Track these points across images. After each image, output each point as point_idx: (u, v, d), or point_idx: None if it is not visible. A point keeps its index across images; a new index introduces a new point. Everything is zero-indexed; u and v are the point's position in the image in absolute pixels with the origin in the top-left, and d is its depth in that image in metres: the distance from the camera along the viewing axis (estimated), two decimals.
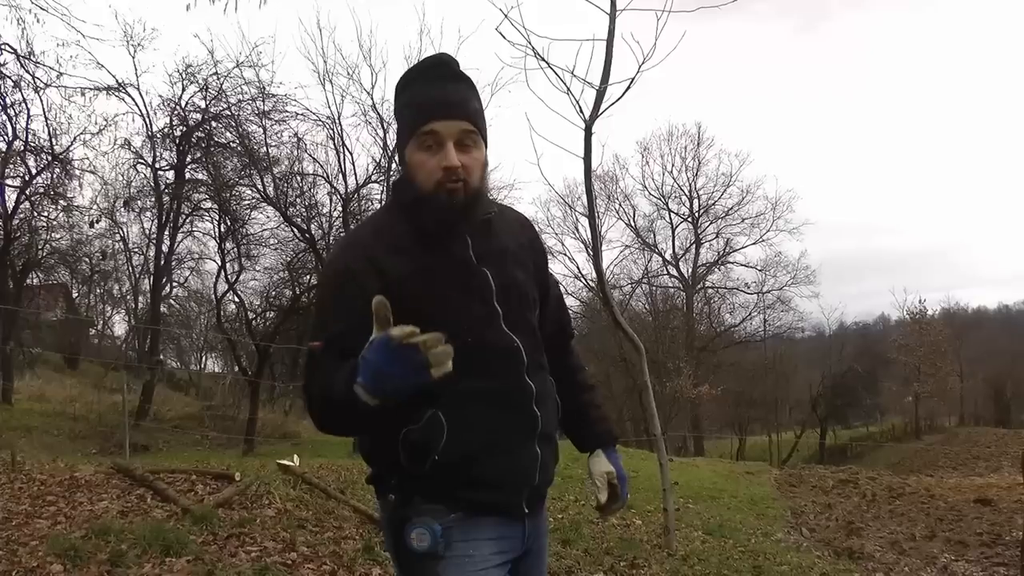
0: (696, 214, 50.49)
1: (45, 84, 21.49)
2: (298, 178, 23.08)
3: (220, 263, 25.65)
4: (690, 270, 50.47)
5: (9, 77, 20.99)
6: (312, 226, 22.54)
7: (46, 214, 25.76)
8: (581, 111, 9.30)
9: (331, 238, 22.76)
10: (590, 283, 43.78)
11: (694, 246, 50.53)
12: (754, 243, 50.13)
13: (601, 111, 9.26)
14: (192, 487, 9.27)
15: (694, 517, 11.35)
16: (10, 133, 23.21)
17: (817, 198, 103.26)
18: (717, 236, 50.91)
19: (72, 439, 19.36)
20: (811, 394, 50.00)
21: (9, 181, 24.30)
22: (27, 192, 24.45)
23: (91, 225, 27.63)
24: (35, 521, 7.57)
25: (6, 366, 24.59)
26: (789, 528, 13.07)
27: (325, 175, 23.15)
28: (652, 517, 10.76)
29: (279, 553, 7.28)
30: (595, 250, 11.14)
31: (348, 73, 23.11)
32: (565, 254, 47.30)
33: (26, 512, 7.88)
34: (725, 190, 49.98)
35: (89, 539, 6.99)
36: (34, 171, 24.17)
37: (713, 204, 50.38)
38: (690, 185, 50.36)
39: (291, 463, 10.31)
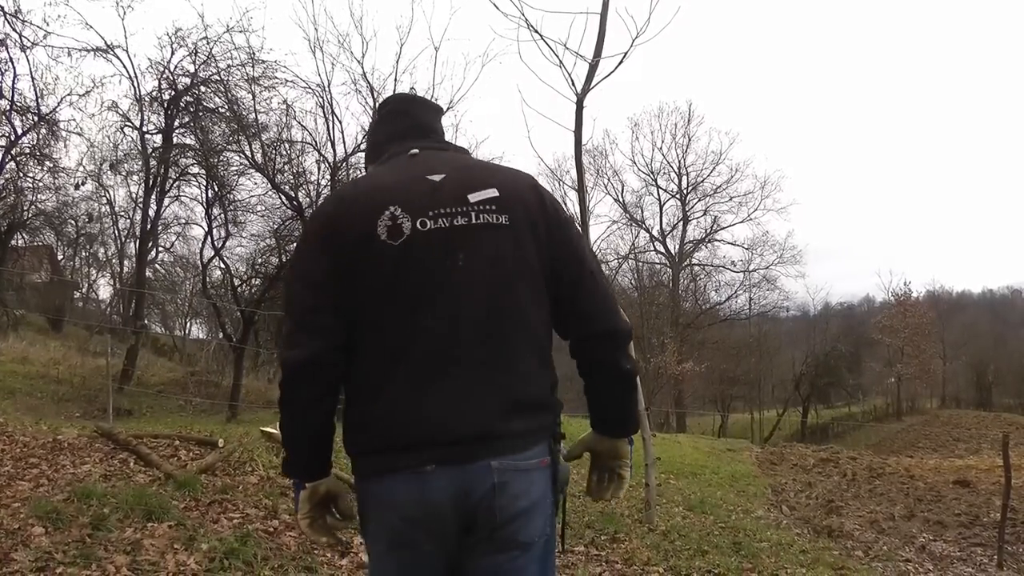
0: (684, 191, 50.53)
1: (32, 43, 21.27)
2: (286, 145, 22.91)
3: (207, 229, 25.53)
4: (677, 247, 50.57)
5: None
6: (300, 194, 22.42)
7: (32, 175, 25.59)
8: (573, 84, 9.28)
9: (317, 206, 22.53)
10: None
11: (681, 223, 50.61)
12: (741, 222, 50.28)
13: (593, 85, 9.25)
14: (175, 452, 9.25)
15: (675, 493, 11.41)
16: None
17: (805, 178, 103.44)
18: (705, 214, 51.00)
19: (55, 402, 19.28)
20: (794, 373, 50.29)
21: None
22: (12, 152, 24.24)
23: (77, 187, 27.51)
24: (17, 483, 7.55)
25: None
26: (769, 505, 13.16)
27: (314, 143, 23.03)
28: (633, 492, 10.79)
29: (261, 520, 7.28)
30: (583, 224, 11.12)
31: (339, 42, 22.99)
32: None
33: (8, 474, 7.86)
34: (714, 168, 50.01)
35: (71, 502, 6.97)
36: (20, 131, 23.95)
37: (702, 182, 50.44)
38: (679, 162, 50.37)
39: (274, 430, 10.29)
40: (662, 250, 50.97)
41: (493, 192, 2.30)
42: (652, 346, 39.29)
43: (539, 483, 2.28)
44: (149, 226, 26.80)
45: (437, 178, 2.30)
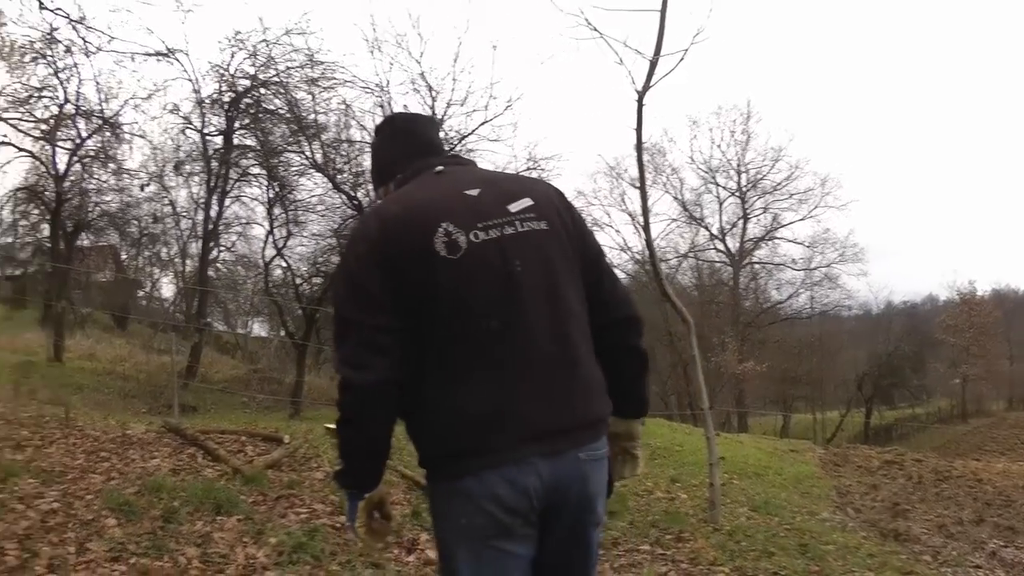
0: (744, 188, 49.83)
1: (96, 48, 21.66)
2: (346, 145, 23.10)
3: (268, 228, 25.81)
4: (737, 245, 49.90)
5: (60, 42, 21.18)
6: (359, 193, 22.57)
7: (96, 177, 26.08)
8: (633, 82, 9.25)
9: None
10: (636, 256, 43.48)
11: (741, 220, 49.90)
12: (802, 219, 49.35)
13: (653, 83, 9.19)
14: (242, 448, 9.37)
15: (739, 493, 11.29)
16: (61, 97, 23.45)
17: (867, 175, 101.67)
18: (765, 211, 50.19)
19: (122, 397, 19.62)
20: (857, 373, 49.50)
21: (61, 144, 24.64)
22: (78, 155, 24.76)
23: (142, 188, 28.00)
24: (90, 476, 7.69)
25: (57, 325, 24.97)
26: (834, 508, 12.96)
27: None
28: (697, 491, 10.72)
29: (328, 516, 7.34)
30: (645, 221, 11.06)
31: (397, 42, 23.09)
32: (611, 226, 47.04)
33: (81, 467, 8.01)
34: (774, 164, 49.21)
35: (142, 495, 7.09)
36: (85, 134, 24.46)
37: (761, 179, 49.67)
38: (738, 159, 49.74)
39: None
40: (722, 248, 50.31)
41: (528, 201, 2.46)
42: (713, 345, 38.90)
43: (606, 470, 2.51)
44: (211, 226, 27.18)
45: (474, 192, 2.43)
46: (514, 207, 2.42)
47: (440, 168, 2.55)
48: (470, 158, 2.74)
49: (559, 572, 2.48)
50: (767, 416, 47.76)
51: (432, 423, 2.37)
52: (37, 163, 25.50)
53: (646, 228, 11.07)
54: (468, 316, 2.30)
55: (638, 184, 10.52)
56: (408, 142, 2.65)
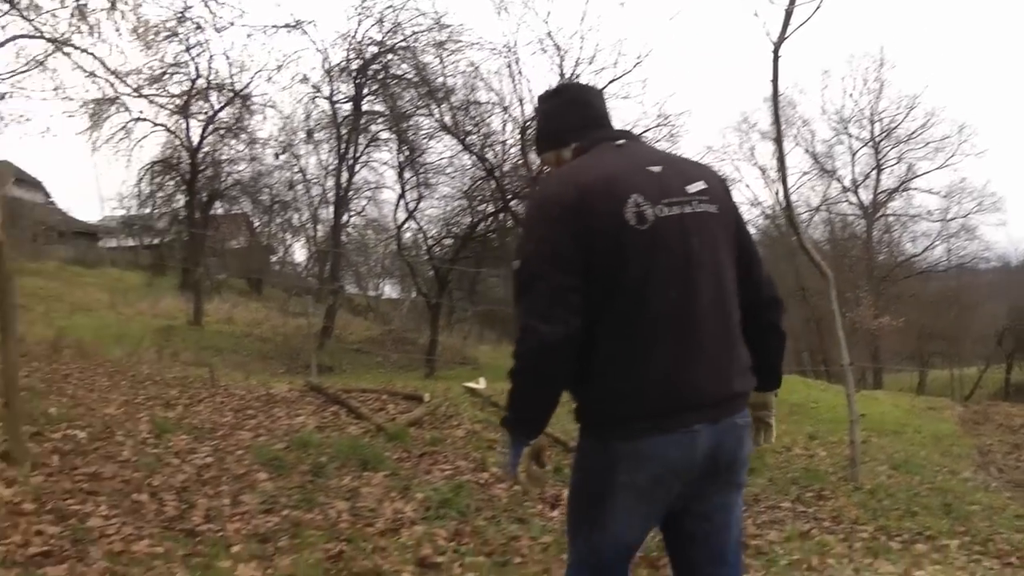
0: (877, 138, 48.04)
1: (228, 24, 22.26)
2: (474, 107, 23.16)
3: (400, 192, 26.13)
4: (870, 197, 48.30)
5: (192, 20, 21.79)
6: (489, 154, 22.63)
7: (229, 147, 26.84)
8: (768, 33, 8.99)
9: (507, 166, 22.88)
10: (766, 211, 42.57)
11: (874, 172, 48.10)
12: (938, 168, 47.34)
13: (789, 33, 8.93)
14: (383, 406, 9.49)
15: (878, 451, 10.96)
16: (194, 72, 24.26)
17: (1005, 122, 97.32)
18: (899, 161, 48.26)
19: (260, 359, 20.17)
20: (996, 328, 47.43)
21: (194, 117, 25.43)
22: (211, 127, 25.50)
23: (277, 156, 28.74)
24: (239, 432, 7.87)
25: (195, 291, 25.80)
26: (976, 467, 12.52)
27: (501, 103, 23.16)
28: (835, 449, 10.47)
29: (471, 472, 7.37)
30: (782, 173, 10.79)
31: (524, 2, 23.00)
32: (741, 181, 46.11)
33: (230, 424, 8.21)
34: (908, 112, 47.26)
35: (290, 451, 7.22)
36: (217, 107, 25.16)
37: (895, 127, 47.80)
38: (871, 108, 47.96)
39: (477, 386, 10.41)
40: (854, 201, 48.67)
41: (703, 184, 2.58)
42: (847, 300, 37.82)
43: (750, 436, 2.68)
44: (342, 192, 27.65)
45: (656, 169, 2.53)
46: (691, 188, 2.54)
47: (621, 142, 2.66)
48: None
49: (706, 532, 2.61)
50: (903, 373, 46.31)
51: (606, 387, 2.45)
52: (172, 136, 26.37)
53: (783, 180, 10.82)
54: (649, 287, 2.41)
55: (770, 137, 10.22)
56: (584, 113, 2.74)
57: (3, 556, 4.33)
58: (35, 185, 38.86)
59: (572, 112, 2.75)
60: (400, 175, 25.65)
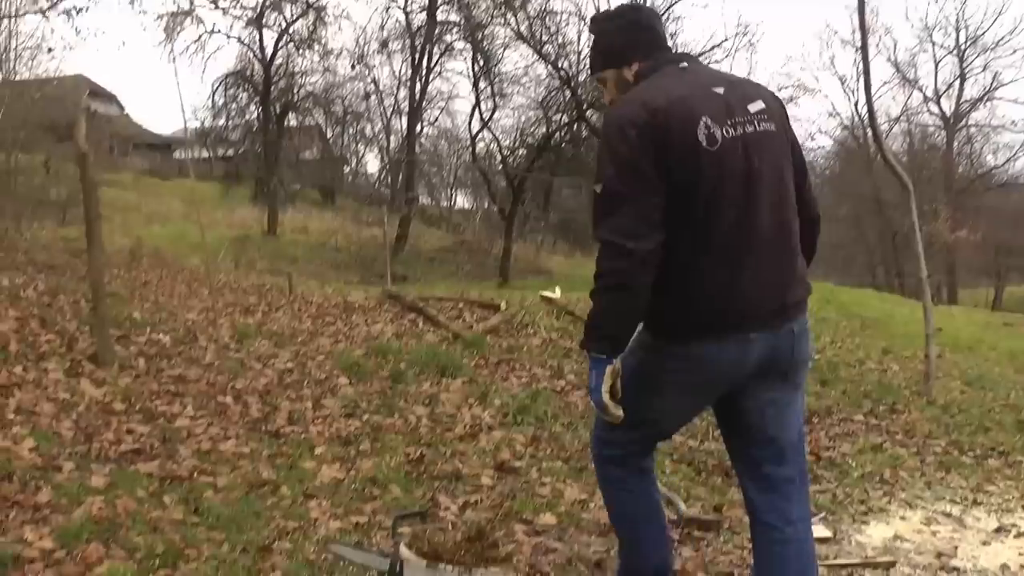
0: (962, 46, 46.35)
1: None
2: (550, 16, 22.80)
3: (474, 101, 26.00)
4: (952, 107, 46.78)
5: None
6: (564, 63, 22.33)
7: (302, 59, 26.83)
8: None
9: (582, 76, 22.55)
10: (844, 122, 41.49)
11: (958, 81, 46.60)
12: None
13: None
14: (460, 315, 9.52)
15: (951, 367, 10.73)
16: None
17: None
18: (984, 69, 46.43)
19: (335, 268, 20.40)
20: None
21: (268, 29, 25.41)
22: (285, 38, 25.45)
23: (353, 67, 28.69)
24: (318, 339, 7.96)
25: (270, 201, 26.06)
26: None
27: (577, 11, 22.78)
28: (909, 364, 10.28)
29: (548, 379, 7.37)
30: (866, 82, 10.46)
31: None
32: (819, 91, 44.91)
33: (309, 331, 8.30)
34: (996, 18, 45.77)
35: (370, 357, 7.29)
36: (291, 18, 25.07)
37: (982, 34, 45.96)
38: (957, 14, 46.41)
39: (553, 295, 10.38)
40: (936, 111, 47.15)
41: (762, 104, 2.67)
42: (924, 213, 36.95)
43: (810, 341, 2.79)
44: (415, 102, 27.58)
45: (720, 90, 2.62)
46: (752, 108, 2.62)
47: (684, 65, 2.76)
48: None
49: (760, 426, 2.72)
50: (978, 288, 45.28)
51: (670, 297, 2.57)
52: (246, 49, 26.42)
53: (866, 88, 10.49)
54: (718, 203, 2.51)
55: (852, 45, 9.89)
56: (646, 35, 2.80)
57: (97, 452, 4.45)
58: (109, 98, 39.32)
59: (635, 33, 2.80)
60: (475, 85, 25.52)
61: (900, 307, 17.06)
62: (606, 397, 2.60)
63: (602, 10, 3.05)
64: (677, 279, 2.55)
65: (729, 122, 2.55)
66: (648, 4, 17.39)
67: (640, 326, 2.69)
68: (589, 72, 2.81)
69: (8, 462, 4.00)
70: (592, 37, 2.96)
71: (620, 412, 2.59)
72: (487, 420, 6.00)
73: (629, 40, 2.78)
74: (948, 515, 4.81)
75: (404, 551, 2.72)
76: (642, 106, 2.55)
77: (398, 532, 2.95)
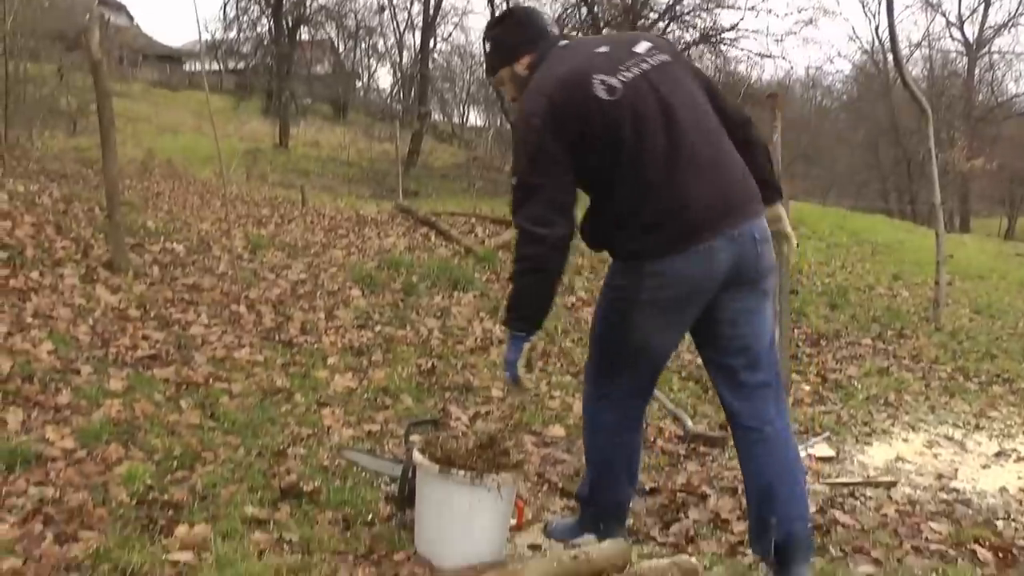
0: None
1: None
2: None
3: (490, 11, 25.62)
4: (975, 33, 46.10)
5: None
6: None
7: None
8: None
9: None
10: (864, 47, 40.92)
11: (982, 5, 45.79)
12: None
13: None
14: (471, 230, 9.54)
15: (961, 295, 10.74)
16: None
17: None
18: None
19: (346, 182, 20.32)
20: None
21: None
22: None
23: None
24: (331, 251, 8.00)
25: (281, 114, 25.89)
26: None
27: None
28: (919, 290, 10.32)
29: (558, 296, 7.36)
30: (888, 5, 10.36)
31: None
32: (840, 14, 44.20)
33: (322, 243, 8.34)
34: None
35: (382, 270, 7.33)
36: None
37: None
38: None
39: None
40: (958, 36, 46.46)
41: (647, 43, 2.83)
42: (941, 141, 36.59)
43: (772, 249, 2.84)
44: (429, 17, 27.22)
45: (603, 49, 2.80)
46: (639, 49, 2.78)
47: (564, 43, 2.92)
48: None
49: (733, 335, 2.79)
50: (991, 218, 45.05)
51: (628, 231, 2.71)
52: None
53: (889, 11, 10.41)
54: (642, 140, 2.65)
55: None
56: (529, 32, 2.96)
57: (114, 357, 4.51)
58: (118, 8, 38.89)
59: (520, 31, 2.97)
60: (490, 1, 25.13)
61: (912, 234, 17.03)
62: (521, 371, 2.80)
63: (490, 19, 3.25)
64: (629, 210, 2.69)
65: (621, 68, 2.71)
66: None
67: (611, 262, 2.85)
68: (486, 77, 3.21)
69: (28, 364, 4.07)
70: (486, 45, 3.13)
71: (531, 385, 2.83)
72: (497, 333, 6.06)
73: (516, 38, 2.96)
74: (950, 439, 4.88)
75: (417, 456, 2.78)
76: (539, 93, 2.73)
77: (411, 439, 3.02)
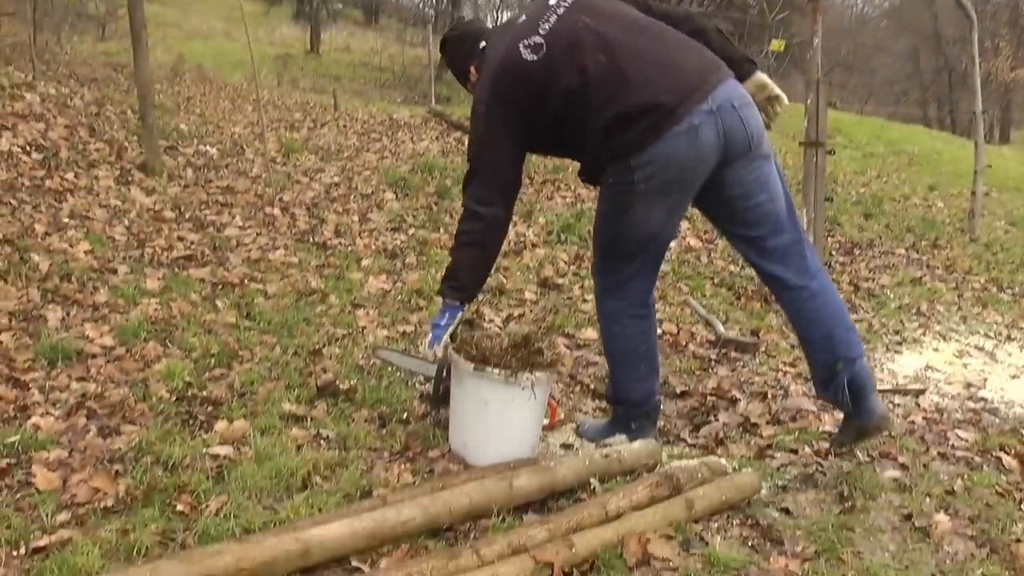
0: None
1: None
2: None
3: None
4: None
5: None
6: None
7: None
8: None
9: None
10: None
11: None
12: None
13: None
14: None
15: (997, 206, 10.57)
16: None
17: None
18: None
19: (378, 87, 20.19)
20: None
21: None
22: None
23: None
24: (364, 154, 7.98)
25: (312, 19, 25.59)
26: None
27: None
28: (954, 202, 10.16)
29: (592, 200, 7.33)
30: None
31: None
32: None
33: (355, 147, 8.32)
34: None
35: (415, 173, 7.31)
36: None
37: None
38: None
39: None
40: None
41: None
42: (985, 50, 35.69)
43: (757, 113, 2.88)
44: None
45: (522, 18, 2.94)
46: (551, 1, 2.89)
47: (496, 29, 3.16)
48: None
49: (748, 204, 2.87)
50: None
51: (609, 144, 2.77)
52: None
53: None
54: (588, 73, 2.73)
55: None
56: (469, 41, 3.12)
57: (150, 257, 4.55)
58: None
59: (459, 50, 3.15)
60: None
61: (949, 145, 16.73)
62: (446, 338, 2.94)
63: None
64: (603, 126, 2.75)
65: (539, 25, 2.83)
66: None
67: (605, 171, 2.90)
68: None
69: (66, 263, 4.12)
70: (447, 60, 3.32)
71: (441, 352, 2.91)
72: (531, 238, 6.04)
73: (459, 58, 3.14)
74: (980, 349, 4.83)
75: (452, 354, 2.80)
76: (484, 82, 2.89)
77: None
